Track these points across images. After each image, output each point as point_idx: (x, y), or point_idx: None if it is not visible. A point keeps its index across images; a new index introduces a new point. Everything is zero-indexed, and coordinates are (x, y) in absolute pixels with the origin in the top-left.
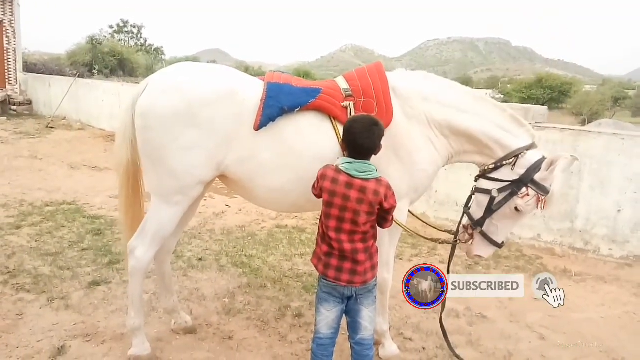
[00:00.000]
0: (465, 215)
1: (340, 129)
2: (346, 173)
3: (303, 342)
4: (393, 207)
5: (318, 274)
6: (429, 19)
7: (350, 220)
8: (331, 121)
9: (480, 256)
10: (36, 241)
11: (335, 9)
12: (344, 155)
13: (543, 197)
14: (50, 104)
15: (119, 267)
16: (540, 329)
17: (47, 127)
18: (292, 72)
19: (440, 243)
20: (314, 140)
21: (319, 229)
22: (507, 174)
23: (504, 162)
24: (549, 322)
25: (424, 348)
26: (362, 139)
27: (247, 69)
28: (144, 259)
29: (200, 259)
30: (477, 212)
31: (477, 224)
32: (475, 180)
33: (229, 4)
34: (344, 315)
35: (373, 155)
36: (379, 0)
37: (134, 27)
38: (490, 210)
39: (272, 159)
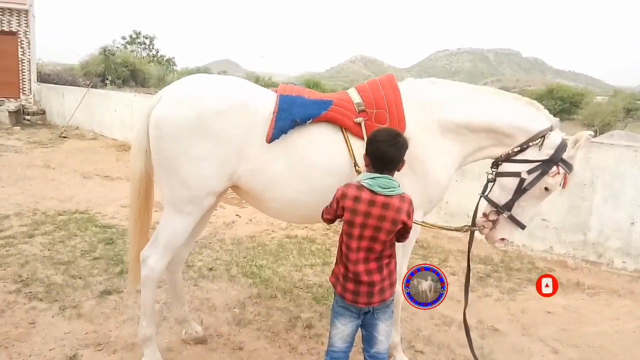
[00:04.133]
0: (484, 202)
1: (353, 140)
2: (369, 189)
3: (313, 354)
4: (412, 224)
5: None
6: (439, 29)
7: (369, 238)
8: (343, 133)
9: (504, 239)
10: (49, 250)
11: (345, 20)
12: (366, 170)
13: (568, 175)
14: (63, 113)
15: (127, 276)
16: (553, 343)
17: (60, 136)
18: (302, 83)
19: (465, 231)
20: (326, 152)
21: (339, 248)
22: (535, 154)
23: (530, 144)
24: (562, 336)
25: None
26: (386, 146)
27: (257, 80)
28: (156, 269)
29: (210, 269)
30: (503, 195)
31: (505, 207)
32: (493, 166)
33: (239, 15)
34: (360, 327)
35: (396, 172)
36: (389, 11)
37: (146, 38)
38: (520, 192)
39: (284, 170)
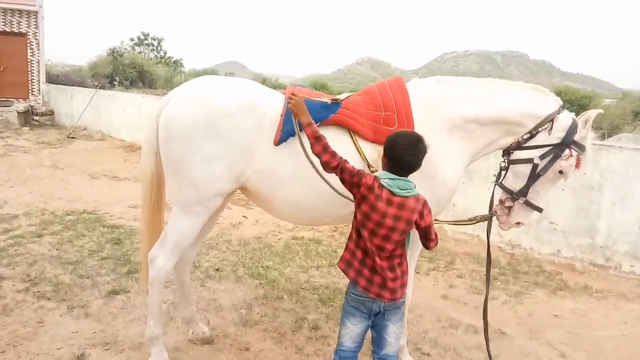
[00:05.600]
0: (500, 189)
1: (361, 143)
2: (388, 190)
3: (319, 355)
4: (430, 225)
5: (343, 287)
6: (446, 31)
7: (382, 236)
8: (351, 136)
9: (520, 223)
10: (57, 250)
11: (351, 22)
12: (383, 170)
13: (581, 156)
14: (71, 114)
15: (138, 276)
16: (561, 346)
17: (68, 137)
18: (308, 85)
19: (478, 222)
20: None
21: (351, 234)
22: (545, 139)
23: (540, 129)
24: (570, 339)
25: None
26: (407, 155)
27: (264, 81)
28: (164, 269)
29: (217, 270)
30: (517, 182)
31: (520, 193)
32: (505, 154)
33: (247, 17)
34: (370, 329)
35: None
36: (395, 13)
37: (154, 39)
38: (534, 177)
39: (291, 173)
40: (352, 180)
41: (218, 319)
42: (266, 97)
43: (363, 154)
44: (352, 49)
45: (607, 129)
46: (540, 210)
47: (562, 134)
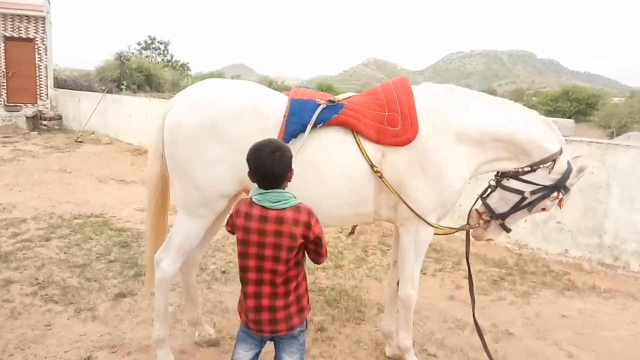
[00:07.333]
0: (482, 204)
1: (364, 144)
2: (259, 205)
3: (325, 357)
4: (320, 236)
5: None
6: (452, 31)
7: (271, 258)
8: (354, 136)
9: (491, 239)
10: (65, 253)
11: (358, 23)
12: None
13: (564, 197)
14: (79, 118)
15: (145, 279)
16: (569, 347)
17: (76, 141)
18: (314, 86)
19: (456, 231)
20: (337, 156)
21: (240, 277)
22: (543, 177)
23: (541, 166)
24: (578, 340)
25: None
26: (265, 165)
27: (270, 84)
28: (169, 271)
29: (223, 272)
30: (500, 205)
31: (500, 217)
32: (498, 176)
33: (253, 20)
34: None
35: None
36: (401, 14)
37: (161, 43)
38: (518, 208)
39: (295, 174)
40: (229, 223)
41: (224, 321)
42: (269, 99)
43: (366, 155)
44: (358, 51)
45: (615, 128)
46: (509, 231)
47: (557, 177)
